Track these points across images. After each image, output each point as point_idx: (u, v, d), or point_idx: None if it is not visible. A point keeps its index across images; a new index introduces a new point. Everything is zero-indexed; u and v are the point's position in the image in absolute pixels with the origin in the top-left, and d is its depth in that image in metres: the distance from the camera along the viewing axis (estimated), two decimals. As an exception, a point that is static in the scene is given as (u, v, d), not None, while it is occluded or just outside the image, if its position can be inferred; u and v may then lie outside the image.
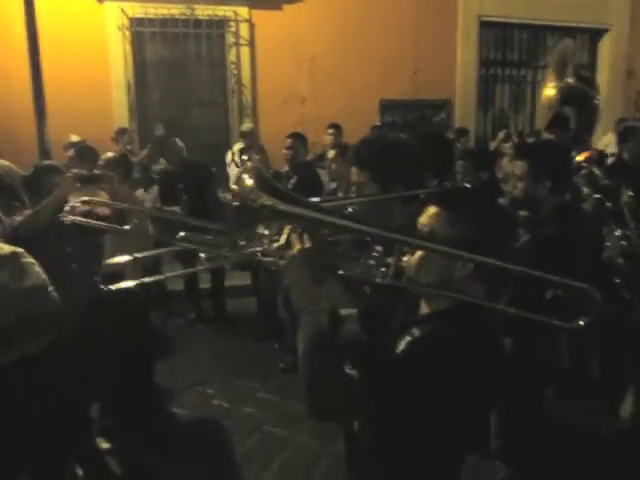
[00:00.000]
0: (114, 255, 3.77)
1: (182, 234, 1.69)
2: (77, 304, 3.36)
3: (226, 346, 5.06)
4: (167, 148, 5.77)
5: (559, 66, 4.44)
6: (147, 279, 1.70)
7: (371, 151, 2.01)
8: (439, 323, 1.41)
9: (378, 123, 7.91)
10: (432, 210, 1.45)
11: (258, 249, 1.51)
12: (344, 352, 1.35)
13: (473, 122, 8.73)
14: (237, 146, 6.90)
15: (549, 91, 4.57)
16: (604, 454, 3.22)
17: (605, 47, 9.32)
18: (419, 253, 1.41)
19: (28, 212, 3.22)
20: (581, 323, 1.26)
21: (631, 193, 3.02)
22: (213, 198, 5.35)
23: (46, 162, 3.44)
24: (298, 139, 5.07)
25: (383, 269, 1.41)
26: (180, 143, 5.61)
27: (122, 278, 1.84)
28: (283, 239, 1.42)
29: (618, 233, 2.92)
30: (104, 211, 3.49)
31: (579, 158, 3.30)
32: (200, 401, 4.20)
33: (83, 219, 2.17)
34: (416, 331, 1.42)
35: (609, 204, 3.02)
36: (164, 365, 4.46)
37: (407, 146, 2.10)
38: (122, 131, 7.01)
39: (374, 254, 1.46)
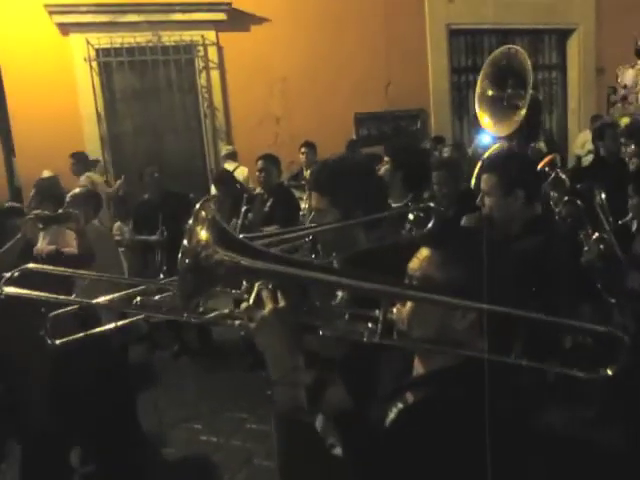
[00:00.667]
0: (88, 295, 3.66)
1: (138, 300, 1.46)
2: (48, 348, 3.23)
3: (212, 377, 4.91)
4: (145, 177, 5.65)
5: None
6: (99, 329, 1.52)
7: (330, 175, 1.87)
8: (436, 386, 1.20)
9: (354, 137, 7.88)
10: (423, 253, 1.27)
11: (224, 311, 1.30)
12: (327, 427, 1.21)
13: (449, 130, 8.72)
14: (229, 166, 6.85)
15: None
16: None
17: (573, 46, 9.41)
18: (411, 303, 1.23)
19: None
20: (609, 372, 1.08)
21: (603, 195, 2.96)
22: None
23: (7, 204, 3.33)
24: (269, 160, 4.97)
25: (370, 325, 1.21)
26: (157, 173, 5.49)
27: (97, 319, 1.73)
28: (252, 298, 1.22)
29: (595, 236, 2.85)
30: (72, 250, 3.39)
31: (540, 165, 3.23)
32: (187, 437, 4.04)
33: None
34: (409, 396, 1.23)
35: (582, 204, 2.95)
36: (149, 402, 4.31)
37: (366, 165, 2.03)
38: (94, 163, 6.91)
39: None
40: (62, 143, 6.84)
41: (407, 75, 8.34)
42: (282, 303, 1.19)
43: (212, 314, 1.31)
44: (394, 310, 1.22)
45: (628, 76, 6.01)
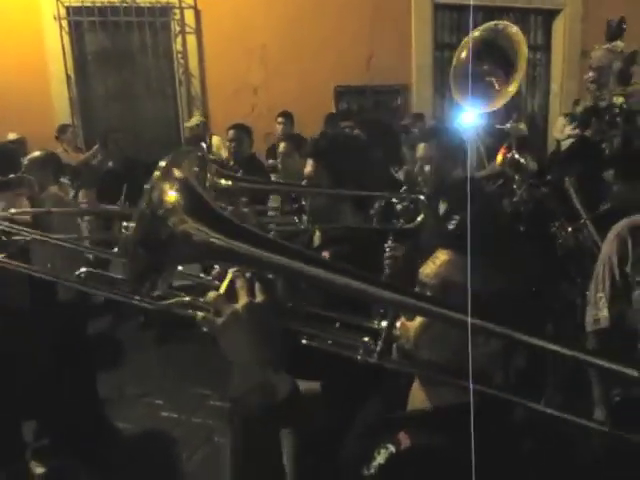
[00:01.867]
0: (43, 260, 3.51)
1: (83, 270, 1.26)
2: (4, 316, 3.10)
3: (175, 351, 4.80)
4: (109, 144, 5.42)
5: None
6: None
7: (330, 142, 1.97)
8: (443, 432, 0.94)
9: (333, 111, 7.71)
10: (441, 257, 1.02)
11: (185, 299, 1.07)
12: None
13: (430, 107, 8.58)
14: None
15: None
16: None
17: (559, 28, 9.27)
18: (422, 318, 0.99)
19: None
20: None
21: (571, 177, 2.91)
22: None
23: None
24: (240, 130, 4.81)
25: (367, 339, 0.99)
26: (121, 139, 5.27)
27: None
28: (224, 286, 0.99)
29: (571, 228, 2.80)
30: (25, 218, 3.21)
31: (499, 158, 3.22)
32: (148, 412, 3.95)
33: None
34: (404, 439, 0.98)
35: (553, 193, 2.91)
36: (109, 375, 4.20)
37: (366, 145, 2.15)
38: (64, 127, 6.65)
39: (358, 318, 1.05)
40: (29, 105, 6.57)
41: (390, 49, 8.15)
42: (259, 298, 0.97)
43: (169, 300, 1.08)
44: (397, 324, 1.00)
45: (596, 58, 5.94)
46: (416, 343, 0.98)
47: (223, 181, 1.76)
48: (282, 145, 4.10)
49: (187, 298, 1.08)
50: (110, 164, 5.20)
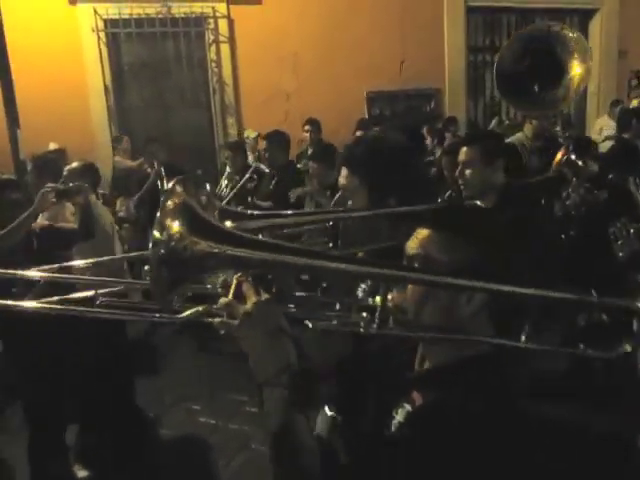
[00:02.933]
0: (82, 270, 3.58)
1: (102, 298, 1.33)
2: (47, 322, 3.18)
3: (213, 357, 4.85)
4: (146, 154, 5.57)
5: None
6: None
7: (365, 150, 1.69)
8: (446, 385, 1.08)
9: (365, 116, 7.71)
10: (423, 232, 1.16)
11: (199, 309, 1.15)
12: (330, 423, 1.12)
13: (463, 111, 8.51)
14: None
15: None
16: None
17: (596, 27, 9.09)
18: (411, 290, 1.12)
19: None
20: (627, 348, 1.03)
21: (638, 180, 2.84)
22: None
23: (4, 176, 3.24)
24: (273, 139, 4.85)
25: (364, 314, 1.14)
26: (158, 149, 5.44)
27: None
28: (232, 292, 1.10)
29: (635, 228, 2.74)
30: (68, 225, 3.30)
31: (558, 156, 3.15)
32: (185, 418, 4.00)
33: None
34: (417, 397, 1.11)
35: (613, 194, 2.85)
36: (148, 381, 4.27)
37: (409, 151, 1.81)
38: (119, 137, 6.83)
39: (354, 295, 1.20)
40: (69, 115, 6.75)
41: (422, 53, 8.11)
42: (264, 296, 1.08)
43: (187, 312, 1.16)
44: (389, 297, 1.13)
45: None
46: (412, 312, 1.11)
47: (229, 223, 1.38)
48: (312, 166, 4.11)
49: (201, 308, 1.15)
50: (149, 170, 5.33)
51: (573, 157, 3.07)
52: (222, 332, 1.10)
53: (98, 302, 1.29)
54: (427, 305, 1.10)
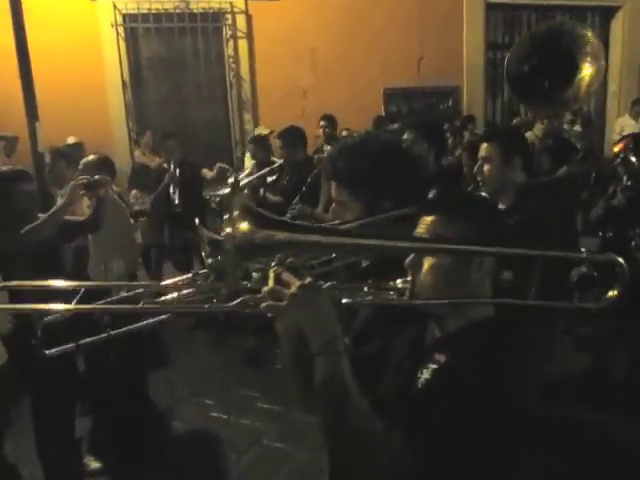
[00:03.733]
0: (97, 260, 3.61)
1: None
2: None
3: (226, 353, 4.86)
4: (163, 150, 5.59)
5: None
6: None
7: (348, 162, 1.60)
8: (467, 343, 1.21)
9: (382, 113, 7.67)
10: (428, 219, 1.31)
11: (244, 298, 1.25)
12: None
13: (481, 109, 8.44)
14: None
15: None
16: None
17: (618, 25, 8.95)
18: (428, 266, 1.25)
19: None
20: (610, 294, 1.21)
21: None
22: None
23: (17, 168, 3.25)
24: (288, 135, 4.84)
25: (392, 293, 1.27)
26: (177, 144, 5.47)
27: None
28: (271, 281, 1.20)
29: None
30: (75, 217, 3.33)
31: (615, 149, 3.09)
32: (197, 412, 4.00)
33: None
34: (440, 356, 1.22)
35: None
36: (160, 375, 4.28)
37: (397, 149, 1.72)
38: (142, 132, 6.86)
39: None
40: (87, 110, 6.79)
41: (440, 50, 8.05)
42: (308, 279, 1.20)
43: (234, 302, 1.25)
44: (407, 278, 1.27)
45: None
46: (430, 285, 1.24)
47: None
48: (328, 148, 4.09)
49: (246, 297, 1.25)
50: (164, 165, 5.36)
51: (632, 157, 3.04)
52: (270, 315, 1.20)
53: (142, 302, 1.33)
54: (446, 275, 1.25)
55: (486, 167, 2.66)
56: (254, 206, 1.19)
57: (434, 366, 1.21)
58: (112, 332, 1.38)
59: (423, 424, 1.12)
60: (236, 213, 1.11)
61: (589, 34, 3.69)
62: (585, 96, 3.71)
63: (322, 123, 6.14)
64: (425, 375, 1.21)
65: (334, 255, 1.38)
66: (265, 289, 1.20)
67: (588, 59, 3.59)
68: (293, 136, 4.84)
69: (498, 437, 1.11)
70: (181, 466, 3.42)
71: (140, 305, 1.31)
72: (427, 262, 1.26)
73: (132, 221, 4.34)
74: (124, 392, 3.66)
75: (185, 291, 1.36)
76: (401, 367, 1.31)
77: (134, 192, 5.45)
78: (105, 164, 3.74)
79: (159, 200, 5.19)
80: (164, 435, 3.78)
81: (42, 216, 3.00)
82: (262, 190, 4.84)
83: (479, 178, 2.69)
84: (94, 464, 3.36)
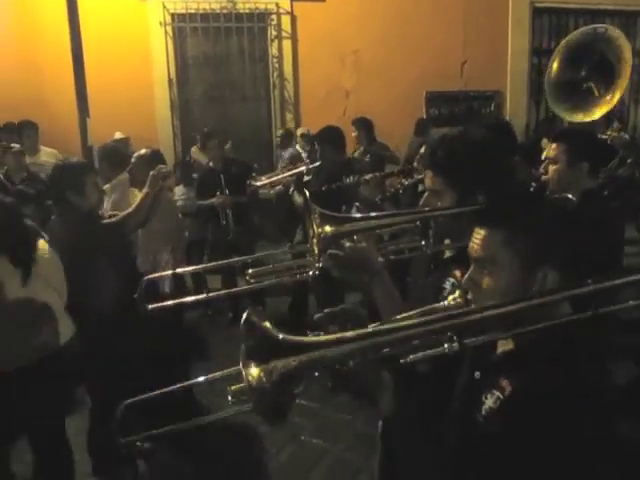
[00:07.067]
0: (146, 252, 3.70)
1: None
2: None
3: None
4: (208, 149, 5.71)
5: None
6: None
7: (447, 151, 1.69)
8: (533, 367, 1.13)
9: (423, 116, 7.65)
10: (481, 233, 1.22)
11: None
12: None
13: (524, 114, 8.34)
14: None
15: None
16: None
17: (668, 31, 8.73)
18: (486, 286, 1.20)
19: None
20: None
21: None
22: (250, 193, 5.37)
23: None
24: (323, 137, 4.89)
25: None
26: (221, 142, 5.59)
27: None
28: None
29: None
30: (127, 203, 3.45)
31: None
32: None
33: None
34: (505, 384, 1.16)
35: None
36: (201, 368, 4.37)
37: (495, 146, 1.78)
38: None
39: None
40: (134, 106, 6.98)
41: (484, 54, 7.98)
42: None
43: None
44: (468, 297, 1.23)
45: None
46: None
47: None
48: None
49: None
50: (210, 164, 5.47)
51: None
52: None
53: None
54: (508, 291, 1.17)
55: (552, 167, 2.65)
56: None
57: (498, 394, 1.17)
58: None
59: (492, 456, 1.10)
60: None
61: (621, 35, 3.66)
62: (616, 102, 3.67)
63: (353, 127, 6.09)
64: (489, 403, 1.17)
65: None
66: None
67: (624, 61, 3.56)
68: (330, 136, 4.86)
69: (582, 468, 1.07)
70: (220, 460, 3.49)
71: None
72: (485, 281, 1.20)
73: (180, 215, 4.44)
74: (166, 382, 3.75)
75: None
76: (467, 384, 1.28)
77: (180, 187, 5.57)
78: (157, 158, 3.84)
79: (204, 208, 5.33)
80: (204, 428, 3.86)
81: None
82: (292, 189, 4.90)
83: (544, 178, 2.69)
84: (145, 445, 3.46)
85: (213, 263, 2.77)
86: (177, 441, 3.58)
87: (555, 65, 3.93)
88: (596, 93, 3.78)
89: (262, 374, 1.04)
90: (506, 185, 1.69)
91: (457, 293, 1.26)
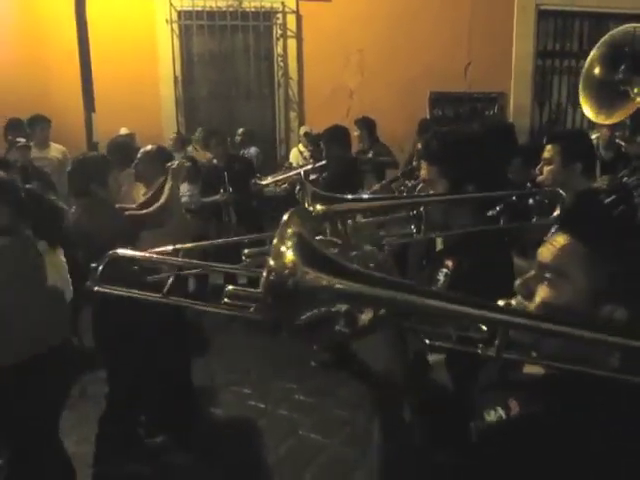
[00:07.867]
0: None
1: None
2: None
3: (265, 343, 4.96)
4: (212, 146, 5.76)
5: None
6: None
7: (441, 142, 1.82)
8: (551, 400, 1.01)
9: (427, 117, 7.68)
10: (560, 240, 1.06)
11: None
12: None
13: (528, 116, 8.35)
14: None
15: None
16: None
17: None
18: (539, 299, 1.05)
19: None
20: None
21: None
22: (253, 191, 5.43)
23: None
24: (328, 136, 4.95)
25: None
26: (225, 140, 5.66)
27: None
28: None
29: None
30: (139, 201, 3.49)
31: None
32: (236, 401, 4.12)
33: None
34: (514, 406, 1.05)
35: None
36: (201, 362, 4.42)
37: (487, 141, 1.95)
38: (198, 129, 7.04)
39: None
40: (139, 103, 7.01)
41: (489, 56, 7.99)
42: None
43: None
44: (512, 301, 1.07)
45: None
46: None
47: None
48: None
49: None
50: (214, 161, 5.53)
51: None
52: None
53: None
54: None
55: (546, 168, 2.68)
56: None
57: (502, 413, 1.06)
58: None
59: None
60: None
61: None
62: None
63: (355, 127, 6.13)
64: (490, 418, 1.07)
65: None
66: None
67: None
68: (336, 134, 4.92)
69: None
70: (218, 452, 3.53)
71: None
72: (541, 293, 1.06)
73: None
74: (166, 376, 3.78)
75: None
76: (480, 392, 1.19)
77: (185, 184, 5.60)
78: (163, 155, 3.86)
79: (208, 205, 5.37)
80: (203, 420, 3.90)
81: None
82: (297, 188, 4.91)
83: (539, 179, 2.71)
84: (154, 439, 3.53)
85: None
86: (176, 435, 3.64)
87: (595, 61, 3.86)
88: (631, 95, 3.70)
89: (292, 265, 0.90)
90: (494, 177, 1.76)
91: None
